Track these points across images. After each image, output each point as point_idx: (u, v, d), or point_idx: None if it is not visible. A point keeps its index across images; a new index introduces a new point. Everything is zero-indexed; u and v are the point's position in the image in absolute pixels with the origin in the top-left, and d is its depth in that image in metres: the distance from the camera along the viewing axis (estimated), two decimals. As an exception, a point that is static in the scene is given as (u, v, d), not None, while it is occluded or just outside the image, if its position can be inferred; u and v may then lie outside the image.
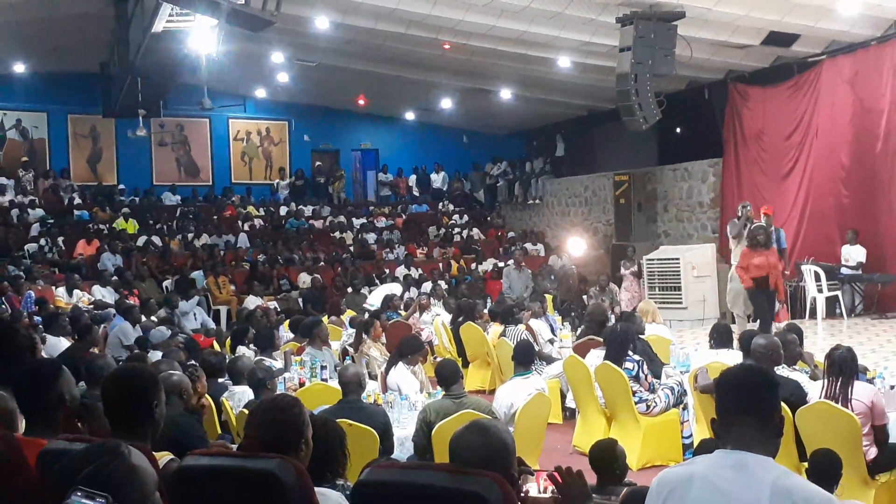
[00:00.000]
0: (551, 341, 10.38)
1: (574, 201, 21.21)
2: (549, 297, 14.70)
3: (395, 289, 15.35)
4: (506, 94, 19.82)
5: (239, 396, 6.62)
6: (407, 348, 7.68)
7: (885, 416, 5.64)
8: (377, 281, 17.64)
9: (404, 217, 22.90)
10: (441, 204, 23.89)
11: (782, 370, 6.23)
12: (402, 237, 21.29)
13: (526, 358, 7.55)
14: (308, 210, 22.06)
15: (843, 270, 13.58)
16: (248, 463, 2.82)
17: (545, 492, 3.62)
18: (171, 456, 3.34)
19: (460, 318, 11.42)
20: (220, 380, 7.13)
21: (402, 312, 13.03)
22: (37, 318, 11.46)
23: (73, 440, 2.90)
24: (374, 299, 13.97)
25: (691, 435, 7.31)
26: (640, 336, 8.42)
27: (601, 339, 8.11)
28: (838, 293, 13.48)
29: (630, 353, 7.42)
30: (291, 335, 10.39)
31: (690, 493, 2.50)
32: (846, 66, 13.89)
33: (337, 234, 20.93)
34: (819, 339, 11.45)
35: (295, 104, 23.24)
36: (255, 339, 9.33)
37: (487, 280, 18.05)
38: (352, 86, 21.01)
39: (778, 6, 12.58)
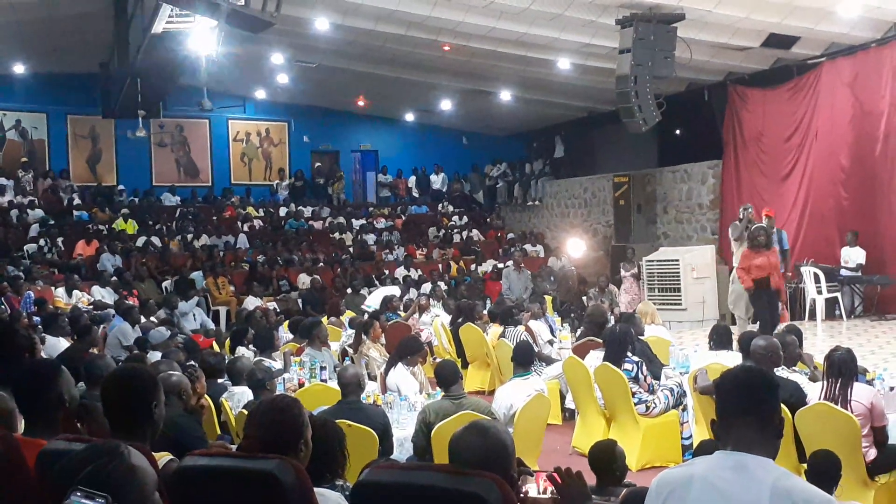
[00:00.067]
0: (551, 342, 10.37)
1: (574, 203, 21.21)
2: (548, 299, 14.70)
3: (393, 291, 15.34)
4: (506, 95, 19.83)
5: (238, 397, 6.62)
6: (406, 349, 7.68)
7: (884, 417, 5.64)
8: (377, 282, 17.64)
9: (404, 218, 22.91)
10: (441, 205, 23.89)
11: (782, 371, 6.23)
12: (402, 238, 21.29)
13: (525, 359, 7.55)
14: (307, 211, 22.06)
15: (843, 272, 13.58)
16: (248, 463, 2.82)
17: (545, 492, 3.63)
18: (171, 456, 3.34)
19: (460, 319, 11.41)
20: (220, 380, 7.13)
21: (402, 313, 13.02)
22: (36, 319, 11.44)
23: (72, 440, 2.90)
24: (373, 301, 13.96)
25: (691, 436, 7.31)
26: (640, 337, 8.42)
27: (600, 341, 8.11)
28: (838, 295, 13.49)
29: (629, 354, 7.42)
30: (291, 336, 10.39)
31: (690, 494, 2.50)
32: (846, 69, 13.90)
33: (336, 235, 20.93)
34: (818, 340, 11.45)
35: (295, 105, 23.25)
36: (255, 339, 9.33)
37: (487, 281, 18.05)
38: (352, 87, 21.02)
39: (778, 8, 12.59)
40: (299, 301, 15.76)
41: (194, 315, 14.34)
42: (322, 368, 7.76)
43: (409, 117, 24.17)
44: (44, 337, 9.13)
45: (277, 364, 8.23)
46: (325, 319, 11.35)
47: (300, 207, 22.14)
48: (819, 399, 5.68)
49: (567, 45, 14.76)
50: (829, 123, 14.21)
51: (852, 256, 13.52)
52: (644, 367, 7.38)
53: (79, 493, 2.07)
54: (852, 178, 13.86)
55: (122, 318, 11.44)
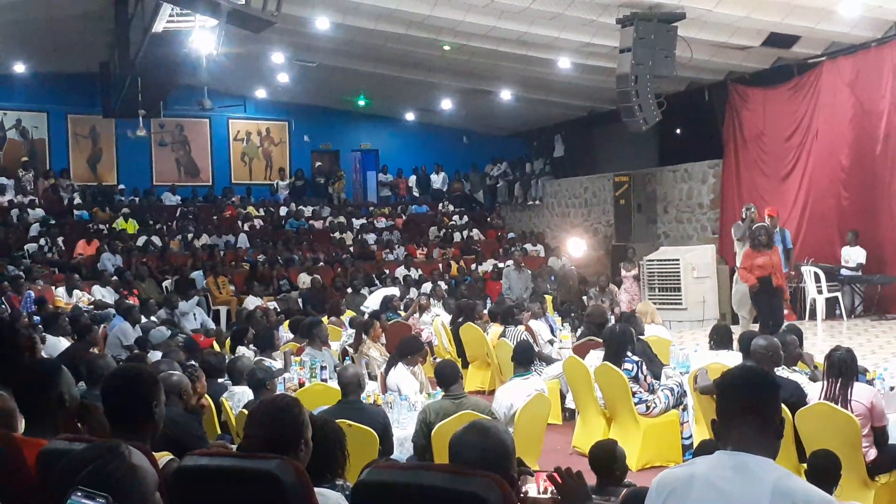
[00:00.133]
0: (551, 342, 10.37)
1: (574, 202, 21.20)
2: (548, 298, 14.69)
3: (392, 292, 15.33)
4: (506, 94, 19.83)
5: (238, 397, 6.62)
6: (407, 349, 7.68)
7: (884, 417, 5.64)
8: (377, 281, 17.64)
9: (404, 217, 22.91)
10: (441, 204, 23.89)
11: (782, 371, 6.23)
12: (402, 238, 21.29)
13: (525, 359, 7.55)
14: (308, 210, 22.06)
15: (843, 272, 13.58)
16: (248, 463, 2.82)
17: (545, 492, 3.62)
18: (171, 456, 3.34)
19: (460, 319, 11.41)
20: (220, 380, 7.13)
21: (402, 313, 13.02)
22: (36, 318, 11.45)
23: (72, 440, 2.90)
24: (372, 303, 13.96)
25: (691, 436, 7.31)
26: (640, 337, 8.43)
27: (601, 340, 8.11)
28: (838, 294, 13.49)
29: (629, 353, 7.42)
30: (291, 335, 10.39)
31: (690, 494, 2.50)
32: (846, 68, 13.90)
33: (337, 234, 20.93)
34: (819, 340, 11.44)
35: (295, 104, 23.24)
36: (255, 339, 9.33)
37: (487, 281, 18.04)
38: (352, 86, 21.02)
39: (778, 8, 12.59)
40: (300, 301, 15.75)
41: (195, 315, 14.34)
42: (322, 368, 7.76)
43: (410, 116, 24.17)
44: (44, 336, 9.14)
45: (278, 364, 8.23)
46: (325, 319, 11.34)
47: (300, 207, 22.13)
48: (819, 399, 5.68)
49: (567, 44, 14.75)
50: (830, 123, 14.20)
51: (853, 256, 13.52)
52: (644, 367, 7.38)
53: (79, 493, 2.07)
54: (853, 178, 13.86)
55: (123, 317, 11.44)
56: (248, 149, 23.74)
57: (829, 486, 4.61)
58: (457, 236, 21.89)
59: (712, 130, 16.76)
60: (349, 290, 16.64)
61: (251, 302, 15.08)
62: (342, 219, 21.80)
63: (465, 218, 23.24)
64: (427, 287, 16.57)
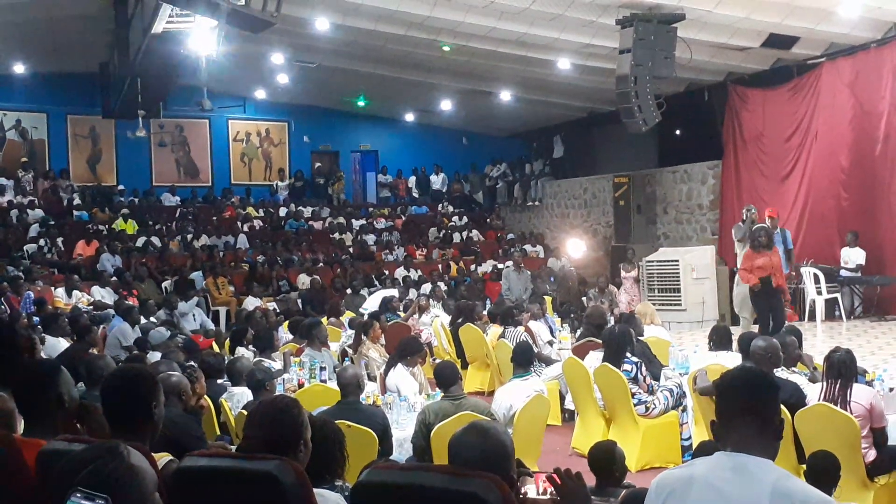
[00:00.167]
0: (550, 343, 10.37)
1: (573, 203, 21.21)
2: (548, 299, 14.69)
3: (391, 294, 15.32)
4: (506, 95, 19.84)
5: (238, 397, 6.62)
6: (406, 350, 7.68)
7: (883, 418, 5.64)
8: (376, 282, 17.64)
9: (404, 218, 22.91)
10: (440, 205, 23.89)
11: (781, 372, 6.23)
12: (402, 238, 21.29)
13: (525, 359, 7.54)
14: (307, 211, 22.07)
15: (843, 273, 13.59)
16: (247, 464, 2.82)
17: (544, 493, 3.62)
18: (170, 457, 3.34)
19: (459, 320, 11.41)
20: (219, 381, 7.12)
21: (402, 314, 13.02)
22: (35, 319, 11.44)
23: (72, 441, 2.90)
24: (371, 304, 13.95)
25: (690, 437, 7.30)
26: (639, 338, 8.42)
27: (600, 341, 8.11)
28: (837, 295, 13.49)
29: (628, 354, 7.42)
30: (290, 336, 10.39)
31: (690, 495, 2.50)
32: (846, 69, 13.91)
33: (336, 235, 20.93)
34: (818, 341, 11.44)
35: (295, 105, 23.25)
36: (254, 340, 9.32)
37: (487, 281, 18.04)
38: (352, 87, 21.02)
39: (778, 9, 12.60)
40: (299, 301, 15.75)
41: (194, 315, 14.33)
42: (322, 369, 7.76)
43: (409, 117, 24.17)
44: (43, 337, 9.13)
45: (277, 364, 8.23)
46: (324, 320, 11.35)
47: (300, 208, 22.14)
48: (819, 400, 5.68)
49: (567, 45, 14.76)
50: (829, 124, 14.21)
51: (852, 257, 13.52)
52: (643, 368, 7.38)
53: (78, 494, 2.07)
54: (852, 179, 13.86)
55: (122, 318, 11.43)
56: (248, 149, 23.74)
57: (829, 487, 4.61)
58: (456, 237, 21.89)
59: (712, 131, 16.77)
60: (348, 290, 16.64)
61: (250, 303, 15.08)
62: (342, 220, 21.80)
63: (465, 219, 23.25)
64: (426, 288, 16.57)
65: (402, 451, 5.96)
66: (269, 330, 10.10)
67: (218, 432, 6.38)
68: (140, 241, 18.73)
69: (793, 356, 6.81)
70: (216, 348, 10.17)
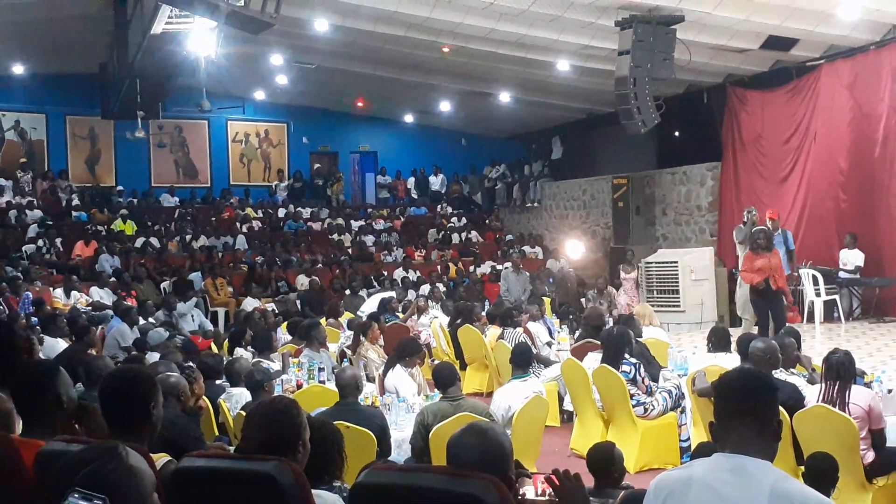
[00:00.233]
0: (549, 344, 10.37)
1: (572, 204, 21.21)
2: (546, 300, 14.69)
3: (389, 296, 15.31)
4: (505, 97, 19.84)
5: (236, 398, 6.62)
6: (405, 350, 7.68)
7: (882, 419, 5.65)
8: (375, 283, 17.63)
9: (402, 219, 22.90)
10: (439, 206, 23.89)
11: (780, 374, 6.23)
12: (401, 239, 21.29)
13: (524, 361, 7.54)
14: (306, 212, 22.06)
15: (842, 274, 13.59)
16: (246, 465, 2.82)
17: (542, 495, 3.62)
18: (169, 457, 3.34)
19: (458, 321, 11.41)
20: (218, 382, 7.13)
21: (400, 315, 13.02)
22: (34, 320, 11.42)
23: (70, 441, 2.90)
24: (369, 307, 13.95)
25: (689, 438, 7.30)
26: (638, 339, 8.42)
27: (598, 342, 8.11)
28: (836, 297, 13.49)
29: (627, 356, 7.42)
30: (289, 337, 10.39)
31: (688, 497, 2.50)
32: (845, 71, 13.92)
33: (335, 236, 20.93)
34: (817, 342, 11.44)
35: (294, 106, 23.24)
36: (253, 341, 9.31)
37: (485, 283, 18.04)
38: (351, 88, 21.02)
39: (777, 10, 12.60)
40: (298, 302, 15.74)
41: (193, 316, 14.32)
42: (320, 370, 7.76)
43: (409, 118, 24.18)
44: (42, 338, 9.12)
45: (276, 365, 8.23)
46: (323, 321, 11.34)
47: (299, 208, 22.13)
48: (817, 401, 5.69)
49: (566, 46, 14.77)
50: (828, 125, 14.22)
51: (851, 258, 13.53)
52: (642, 369, 7.38)
53: (76, 495, 2.07)
54: (851, 181, 13.87)
55: (121, 318, 11.43)
56: (247, 150, 23.74)
57: (827, 488, 4.62)
58: (455, 238, 21.89)
59: (711, 133, 16.78)
60: (347, 291, 16.64)
61: (249, 303, 15.08)
62: (340, 220, 21.80)
63: (464, 220, 23.25)
64: (425, 289, 16.57)
65: (400, 451, 5.96)
66: (267, 331, 10.09)
67: (216, 433, 6.39)
68: (139, 242, 18.72)
69: (791, 357, 6.82)
70: (215, 349, 10.17)
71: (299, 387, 7.33)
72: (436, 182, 24.45)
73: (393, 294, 14.76)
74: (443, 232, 22.12)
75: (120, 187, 21.97)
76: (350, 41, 16.31)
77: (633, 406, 7.22)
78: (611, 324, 9.46)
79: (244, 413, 5.56)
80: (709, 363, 7.26)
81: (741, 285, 11.74)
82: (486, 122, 23.19)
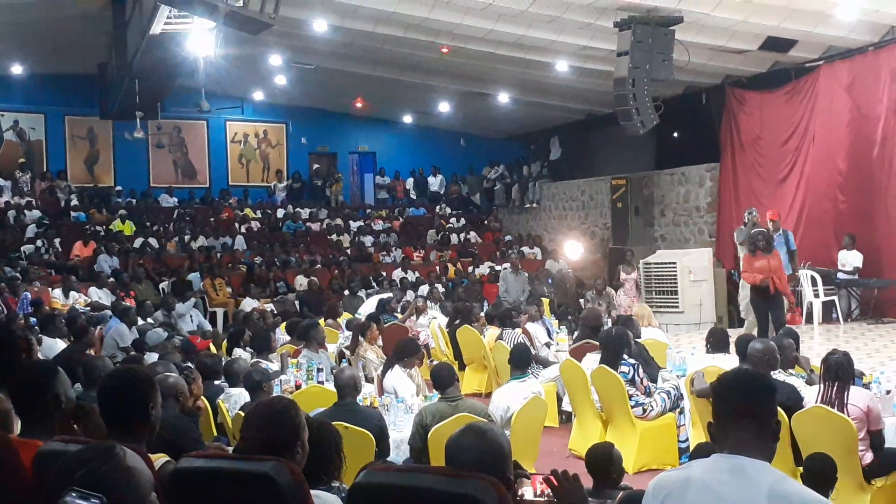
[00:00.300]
0: (548, 345, 10.37)
1: (571, 205, 21.21)
2: (545, 301, 14.69)
3: (388, 296, 15.31)
4: (504, 97, 19.84)
5: (235, 399, 6.61)
6: (403, 351, 7.68)
7: (880, 421, 5.65)
8: (374, 284, 17.63)
9: (401, 220, 22.90)
10: (438, 207, 23.89)
11: (778, 374, 6.23)
12: (399, 240, 21.29)
13: (522, 361, 7.54)
14: (305, 213, 22.06)
15: (840, 275, 13.59)
16: (244, 465, 2.82)
17: (541, 495, 3.62)
18: (167, 458, 3.34)
19: (457, 322, 11.41)
20: (217, 382, 7.12)
21: (399, 315, 13.02)
22: (32, 320, 11.43)
23: (68, 441, 2.90)
24: (367, 308, 13.95)
25: (687, 439, 7.31)
26: (637, 340, 8.43)
27: (597, 343, 8.12)
28: (835, 298, 13.49)
29: (626, 356, 7.42)
30: (288, 337, 10.38)
31: (687, 497, 2.50)
32: (843, 72, 13.93)
33: (334, 236, 20.92)
34: (815, 343, 11.43)
35: (293, 107, 23.23)
36: (252, 341, 9.31)
37: (484, 283, 18.03)
38: (350, 89, 21.02)
39: (776, 12, 12.61)
40: (296, 303, 15.74)
41: (191, 316, 14.32)
42: (319, 370, 7.75)
43: (407, 119, 24.18)
44: (40, 338, 9.11)
45: (274, 366, 8.22)
46: (322, 321, 11.34)
47: (298, 209, 22.13)
48: (816, 402, 5.69)
49: (565, 47, 14.77)
50: (827, 127, 14.22)
51: (849, 259, 13.53)
52: (641, 370, 7.39)
53: (74, 494, 2.07)
54: (849, 182, 13.88)
55: (119, 319, 11.42)
56: (246, 151, 23.73)
57: (825, 489, 4.62)
58: (454, 239, 21.88)
59: (709, 134, 16.78)
60: (346, 292, 16.63)
61: (248, 304, 15.07)
62: (339, 221, 21.79)
63: (463, 220, 23.24)
64: (424, 289, 16.57)
65: (399, 452, 5.96)
66: (266, 331, 10.08)
67: (215, 433, 6.38)
68: (137, 242, 18.71)
69: (790, 358, 6.82)
70: (213, 349, 10.17)
71: (298, 387, 7.33)
72: (434, 183, 24.44)
73: (391, 295, 14.77)
74: (441, 232, 22.11)
75: (119, 187, 21.95)
76: (349, 42, 16.31)
77: (632, 407, 7.23)
78: (609, 324, 9.47)
79: (243, 413, 5.56)
80: (707, 364, 7.27)
81: (743, 287, 11.74)
82: (484, 122, 23.19)
